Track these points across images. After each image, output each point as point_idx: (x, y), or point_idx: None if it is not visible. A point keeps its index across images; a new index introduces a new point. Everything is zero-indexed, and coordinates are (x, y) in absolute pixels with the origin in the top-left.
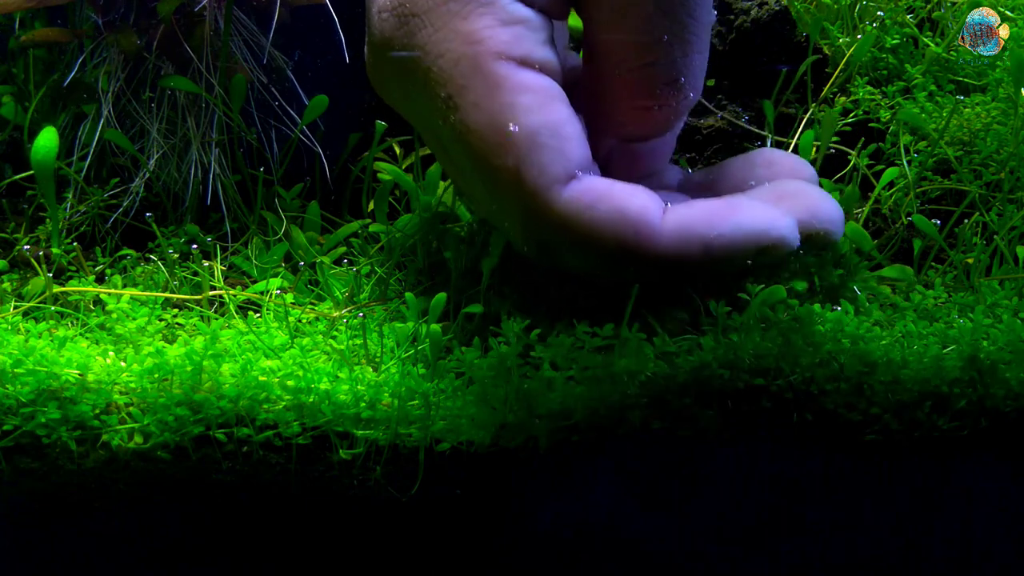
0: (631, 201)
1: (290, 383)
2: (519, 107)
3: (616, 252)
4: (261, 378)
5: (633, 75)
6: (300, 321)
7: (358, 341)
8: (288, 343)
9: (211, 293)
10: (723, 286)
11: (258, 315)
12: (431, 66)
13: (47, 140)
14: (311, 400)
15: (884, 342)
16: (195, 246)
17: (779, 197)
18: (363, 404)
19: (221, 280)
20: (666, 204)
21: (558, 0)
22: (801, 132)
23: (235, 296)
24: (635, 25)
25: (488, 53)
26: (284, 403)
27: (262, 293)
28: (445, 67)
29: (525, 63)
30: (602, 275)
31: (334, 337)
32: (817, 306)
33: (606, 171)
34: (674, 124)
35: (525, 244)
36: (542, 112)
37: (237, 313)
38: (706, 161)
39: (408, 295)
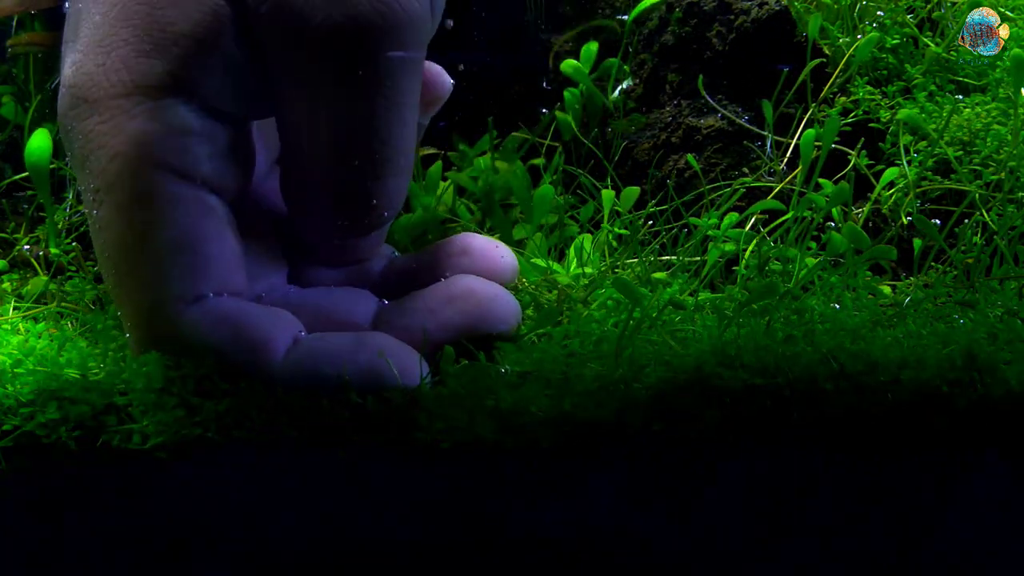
0: (255, 332)
1: None
2: (162, 221)
3: (229, 370)
4: None
5: (321, 192)
6: None
7: None
8: None
9: None
10: None
11: None
12: (89, 156)
13: (40, 141)
14: None
15: (886, 342)
16: None
17: (449, 299)
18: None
19: None
20: (299, 334)
21: (246, 107)
22: (801, 132)
23: None
24: (322, 151)
25: (146, 158)
26: None
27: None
28: (102, 160)
29: (185, 176)
30: None
31: None
32: (814, 301)
33: (313, 255)
34: (372, 229)
35: (137, 350)
36: (185, 230)
37: None
38: (706, 161)
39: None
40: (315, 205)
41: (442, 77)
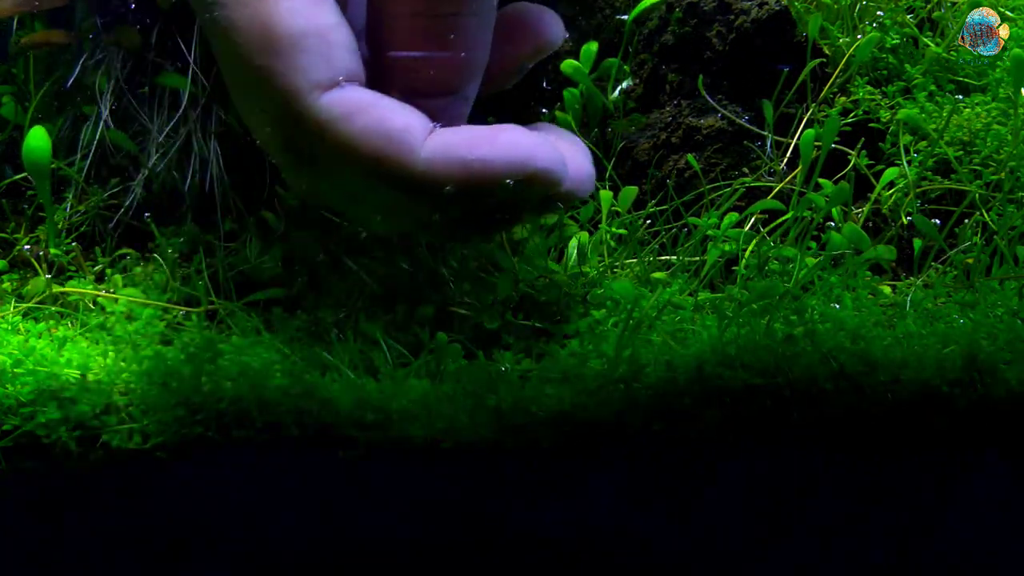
0: (393, 116)
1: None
2: (285, 8)
3: (372, 166)
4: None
5: (401, 23)
6: (297, 330)
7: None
8: (281, 359)
9: (209, 307)
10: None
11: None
12: None
13: (38, 140)
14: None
15: (886, 342)
16: (197, 253)
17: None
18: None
19: (222, 278)
20: (435, 126)
21: None
22: (801, 132)
23: (233, 309)
24: None
25: None
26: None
27: (261, 303)
28: None
29: None
30: (360, 200)
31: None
32: (814, 301)
33: None
34: (453, 85)
35: (282, 156)
36: (308, 15)
37: (231, 321)
38: (706, 161)
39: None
40: (392, 42)
41: (552, 27)
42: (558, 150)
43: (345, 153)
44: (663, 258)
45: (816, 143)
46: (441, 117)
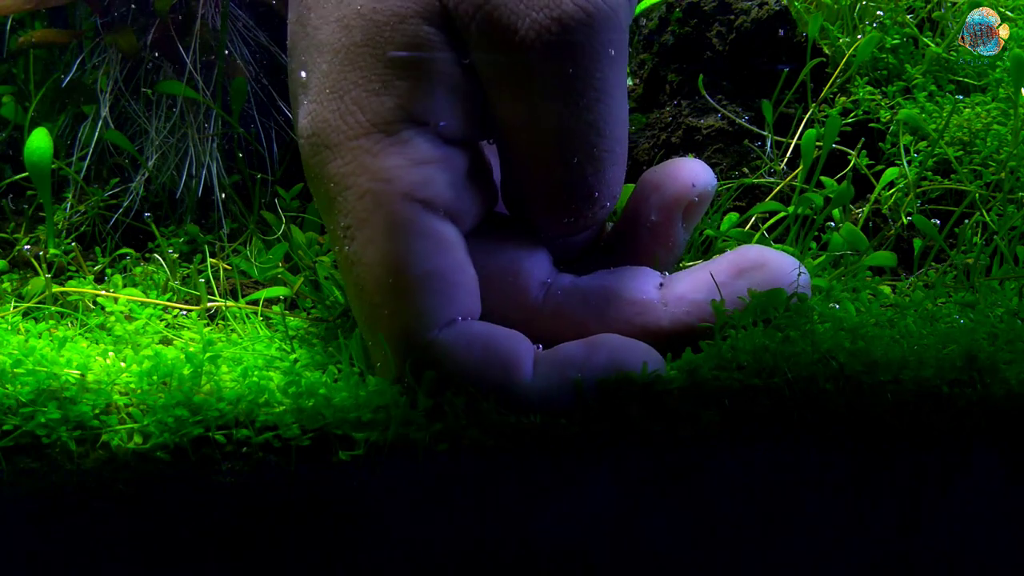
0: (505, 351)
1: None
2: (415, 252)
3: (488, 395)
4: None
5: (546, 192)
6: (297, 331)
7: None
8: (281, 357)
9: (210, 304)
10: None
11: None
12: (337, 196)
13: (40, 141)
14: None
15: (885, 341)
16: (198, 253)
17: (740, 271)
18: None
19: (223, 278)
20: (537, 348)
21: (473, 128)
22: (801, 132)
23: (233, 307)
24: (544, 152)
25: (394, 193)
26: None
27: (260, 302)
28: (350, 199)
29: (430, 206)
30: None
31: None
32: (815, 301)
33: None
34: (593, 225)
35: (394, 376)
36: (436, 259)
37: (233, 321)
38: (706, 161)
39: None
40: (539, 206)
41: (697, 178)
42: (652, 351)
43: (459, 381)
44: None
45: (816, 143)
46: (582, 239)
